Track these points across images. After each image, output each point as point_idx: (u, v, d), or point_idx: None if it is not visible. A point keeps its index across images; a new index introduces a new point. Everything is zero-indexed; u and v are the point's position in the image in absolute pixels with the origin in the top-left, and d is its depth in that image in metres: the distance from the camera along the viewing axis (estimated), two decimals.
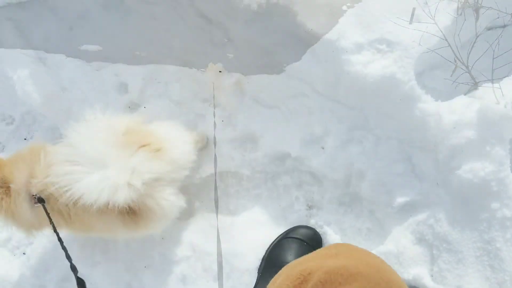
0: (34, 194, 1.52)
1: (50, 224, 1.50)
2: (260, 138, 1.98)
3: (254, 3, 1.77)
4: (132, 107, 2.17)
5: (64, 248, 1.45)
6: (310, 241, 1.84)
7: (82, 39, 2.23)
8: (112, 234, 1.72)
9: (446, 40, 1.68)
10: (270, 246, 1.86)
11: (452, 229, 1.60)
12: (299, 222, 1.90)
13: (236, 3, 1.79)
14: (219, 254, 1.88)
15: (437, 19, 1.69)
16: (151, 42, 2.14)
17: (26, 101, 2.23)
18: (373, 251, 1.74)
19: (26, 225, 1.62)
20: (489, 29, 1.87)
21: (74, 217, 1.55)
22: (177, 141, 1.67)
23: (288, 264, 1.32)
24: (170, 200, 1.61)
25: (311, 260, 1.25)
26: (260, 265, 1.84)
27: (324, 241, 1.86)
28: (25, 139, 2.33)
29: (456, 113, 1.62)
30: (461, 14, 1.72)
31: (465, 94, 1.70)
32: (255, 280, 1.83)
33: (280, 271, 1.28)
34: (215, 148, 2.02)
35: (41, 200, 1.51)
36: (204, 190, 2.02)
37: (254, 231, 1.91)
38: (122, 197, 1.41)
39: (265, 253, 1.85)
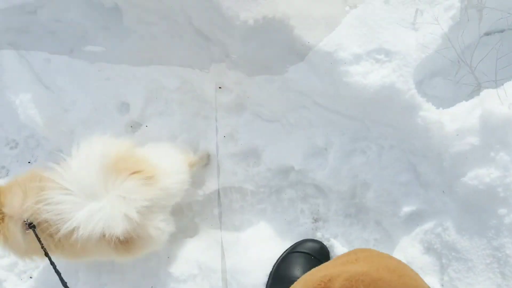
0: (26, 220, 1.52)
1: (42, 248, 1.50)
2: (262, 152, 1.98)
3: (250, 19, 1.78)
4: (134, 126, 2.17)
5: (57, 272, 1.44)
6: (318, 254, 1.81)
7: (83, 61, 2.25)
8: (103, 259, 1.71)
9: (449, 40, 1.67)
10: (276, 261, 1.84)
11: (460, 237, 1.58)
12: (305, 235, 1.89)
13: (232, 20, 1.80)
14: (224, 271, 1.87)
15: (439, 21, 1.69)
16: (151, 61, 2.16)
17: (29, 124, 2.24)
18: None
19: (20, 250, 1.62)
20: (488, 34, 1.87)
21: (66, 244, 1.54)
22: (170, 169, 1.65)
23: (308, 272, 1.29)
24: (160, 227, 1.60)
25: (331, 267, 1.23)
26: (267, 282, 1.82)
27: (331, 254, 1.84)
28: (29, 162, 2.34)
29: (458, 119, 1.61)
30: (464, 15, 1.71)
31: (468, 95, 1.69)
32: None
33: (299, 279, 1.25)
34: (218, 164, 2.02)
35: (32, 226, 1.51)
36: (208, 207, 2.02)
37: (260, 247, 1.90)
38: (119, 228, 1.41)
39: (272, 269, 1.83)
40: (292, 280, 1.31)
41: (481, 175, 1.52)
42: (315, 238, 1.87)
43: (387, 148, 1.80)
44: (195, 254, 1.93)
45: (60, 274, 1.44)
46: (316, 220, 1.91)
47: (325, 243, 1.84)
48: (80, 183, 1.44)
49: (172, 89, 2.13)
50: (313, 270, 1.28)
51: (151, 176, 1.53)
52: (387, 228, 1.80)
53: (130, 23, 2.15)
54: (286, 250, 1.85)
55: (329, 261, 1.35)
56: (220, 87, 2.04)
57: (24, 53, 2.32)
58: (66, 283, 1.40)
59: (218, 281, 1.87)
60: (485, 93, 1.62)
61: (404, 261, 1.68)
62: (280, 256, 1.84)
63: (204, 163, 2.01)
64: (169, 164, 1.67)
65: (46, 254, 1.49)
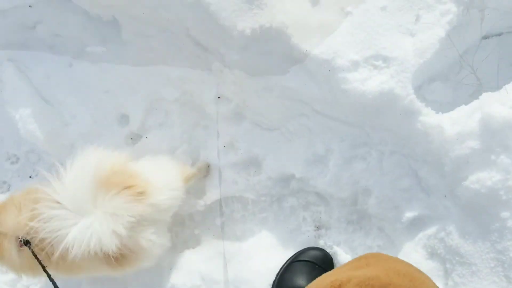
0: (20, 237, 1.52)
1: (39, 264, 1.50)
2: (263, 161, 1.98)
3: (247, 29, 1.79)
4: (134, 138, 2.18)
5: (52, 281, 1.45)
6: (322, 263, 1.80)
7: (82, 74, 2.26)
8: (99, 275, 1.71)
9: (450, 40, 1.67)
10: (280, 270, 1.83)
11: (464, 241, 1.57)
12: (308, 243, 1.88)
13: (230, 30, 1.81)
14: (227, 282, 1.85)
15: (436, 26, 1.69)
16: (150, 73, 2.16)
17: (29, 139, 2.24)
18: None
19: (15, 267, 1.62)
20: (486, 38, 1.88)
21: (61, 262, 1.53)
22: (162, 185, 1.64)
23: (318, 277, 1.28)
24: (151, 239, 1.59)
25: (342, 272, 1.22)
26: None
27: (335, 261, 1.83)
28: (30, 177, 2.34)
29: (458, 123, 1.61)
30: (465, 16, 1.72)
31: (468, 98, 1.69)
32: None
33: (309, 284, 1.25)
34: (220, 173, 2.02)
35: (27, 243, 1.51)
36: (209, 217, 2.01)
37: (263, 256, 1.89)
38: (109, 245, 1.42)
39: (275, 278, 1.82)
40: None
41: (482, 178, 1.52)
42: (318, 246, 1.86)
43: (387, 153, 1.80)
44: (198, 265, 1.92)
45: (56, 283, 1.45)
46: (318, 228, 1.91)
47: (328, 250, 1.83)
48: (71, 198, 1.45)
49: (171, 100, 2.13)
50: (324, 275, 1.28)
51: (142, 191, 1.53)
52: (390, 234, 1.79)
53: (129, 36, 2.16)
54: (289, 259, 1.84)
55: (339, 266, 1.35)
56: (219, 97, 2.05)
57: (24, 68, 2.33)
58: None
59: None
60: (484, 96, 1.62)
61: None
62: (283, 266, 1.83)
63: (204, 175, 2.01)
64: (162, 180, 1.66)
65: (45, 271, 1.48)
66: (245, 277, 1.84)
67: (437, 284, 1.61)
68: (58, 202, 1.45)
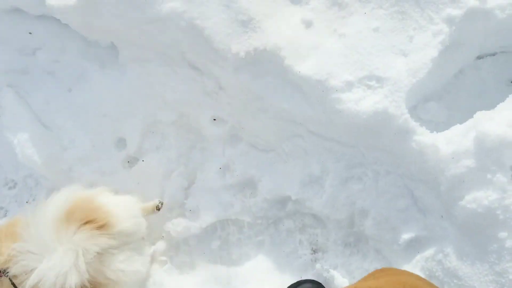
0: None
1: None
2: (258, 182, 1.96)
3: (242, 52, 1.81)
4: (131, 161, 2.18)
5: None
6: None
7: (81, 99, 2.28)
8: None
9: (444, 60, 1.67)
10: None
11: (462, 263, 1.53)
12: (305, 267, 1.85)
13: (224, 53, 1.83)
14: None
15: (429, 46, 1.70)
16: (147, 97, 2.18)
17: (27, 164, 2.24)
18: None
19: None
20: (480, 58, 1.88)
21: None
22: (123, 214, 1.69)
23: None
24: (121, 270, 1.61)
25: (356, 284, 1.23)
26: None
27: (331, 285, 1.78)
28: (27, 202, 2.33)
29: (453, 142, 1.60)
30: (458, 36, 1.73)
31: (462, 118, 1.68)
32: None
33: None
34: None
35: (5, 273, 1.52)
36: (205, 241, 1.99)
37: (259, 280, 1.85)
38: (73, 280, 1.44)
39: None
40: None
41: (479, 198, 1.49)
42: (311, 279, 1.81)
43: (383, 173, 1.78)
44: None
45: None
46: (315, 251, 1.87)
47: (324, 274, 1.80)
48: (35, 236, 1.50)
49: (168, 122, 2.14)
50: None
51: (102, 224, 1.58)
52: (387, 256, 1.75)
53: (126, 60, 2.19)
54: None
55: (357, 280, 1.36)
56: (214, 119, 2.05)
57: (23, 94, 2.36)
58: None
59: None
60: (479, 115, 1.61)
61: None
62: None
63: (155, 211, 2.03)
64: (122, 210, 1.72)
65: None
66: None
67: None
68: (27, 241, 1.50)
